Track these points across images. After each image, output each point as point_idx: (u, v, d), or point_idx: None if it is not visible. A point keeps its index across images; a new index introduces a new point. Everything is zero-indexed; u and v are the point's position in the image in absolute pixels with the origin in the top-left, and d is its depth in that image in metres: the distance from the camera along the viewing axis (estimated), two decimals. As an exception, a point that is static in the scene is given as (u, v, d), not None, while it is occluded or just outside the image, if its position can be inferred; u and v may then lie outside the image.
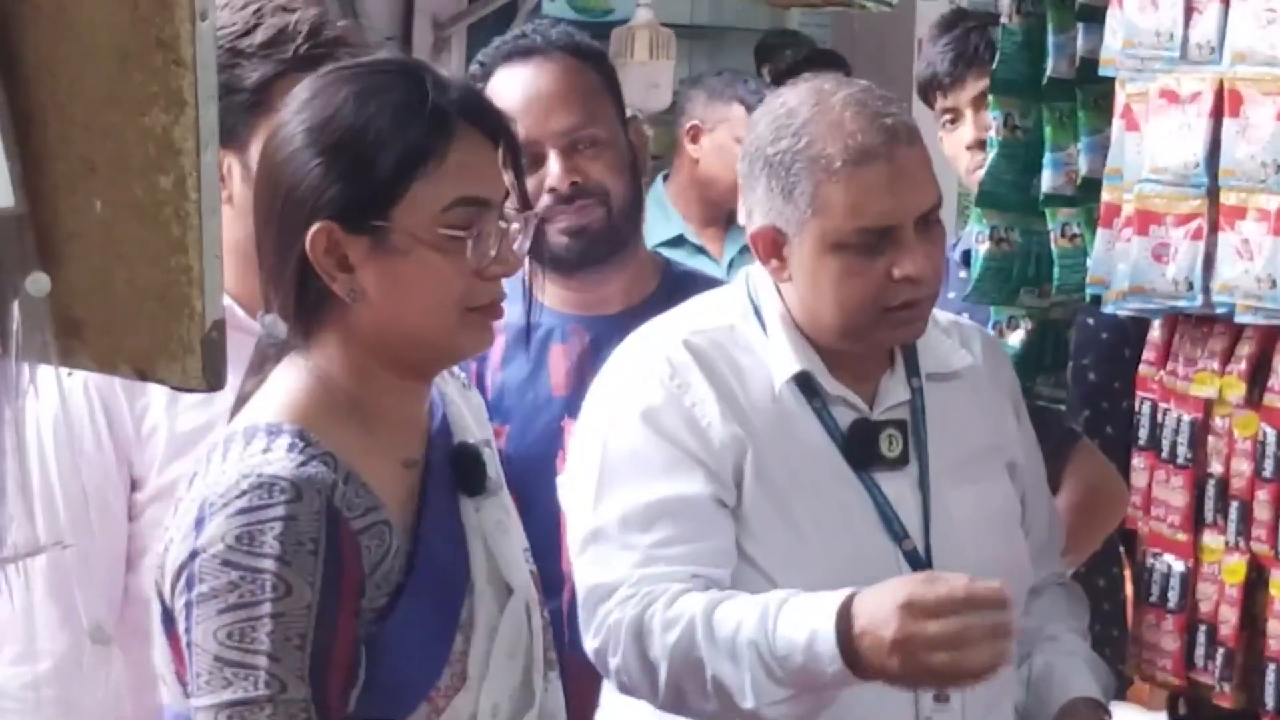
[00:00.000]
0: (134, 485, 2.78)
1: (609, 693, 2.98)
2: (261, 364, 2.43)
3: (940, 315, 3.10)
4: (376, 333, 2.37)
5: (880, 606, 2.60)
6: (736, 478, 2.85)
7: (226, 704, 2.22)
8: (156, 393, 2.74)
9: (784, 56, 7.09)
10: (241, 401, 2.41)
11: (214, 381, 1.64)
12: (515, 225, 2.43)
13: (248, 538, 2.23)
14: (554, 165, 3.25)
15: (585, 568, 2.86)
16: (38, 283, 1.65)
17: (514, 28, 6.33)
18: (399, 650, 2.34)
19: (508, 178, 2.47)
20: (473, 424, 2.58)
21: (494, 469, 2.56)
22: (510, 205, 2.46)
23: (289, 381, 2.39)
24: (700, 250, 5.59)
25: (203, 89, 1.61)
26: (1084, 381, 3.89)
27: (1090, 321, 3.80)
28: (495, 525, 2.50)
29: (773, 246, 2.89)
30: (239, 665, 2.22)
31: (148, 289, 1.66)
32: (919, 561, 2.87)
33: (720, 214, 5.75)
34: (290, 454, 2.28)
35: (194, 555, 2.25)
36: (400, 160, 2.34)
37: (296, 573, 2.24)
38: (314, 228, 2.33)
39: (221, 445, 2.34)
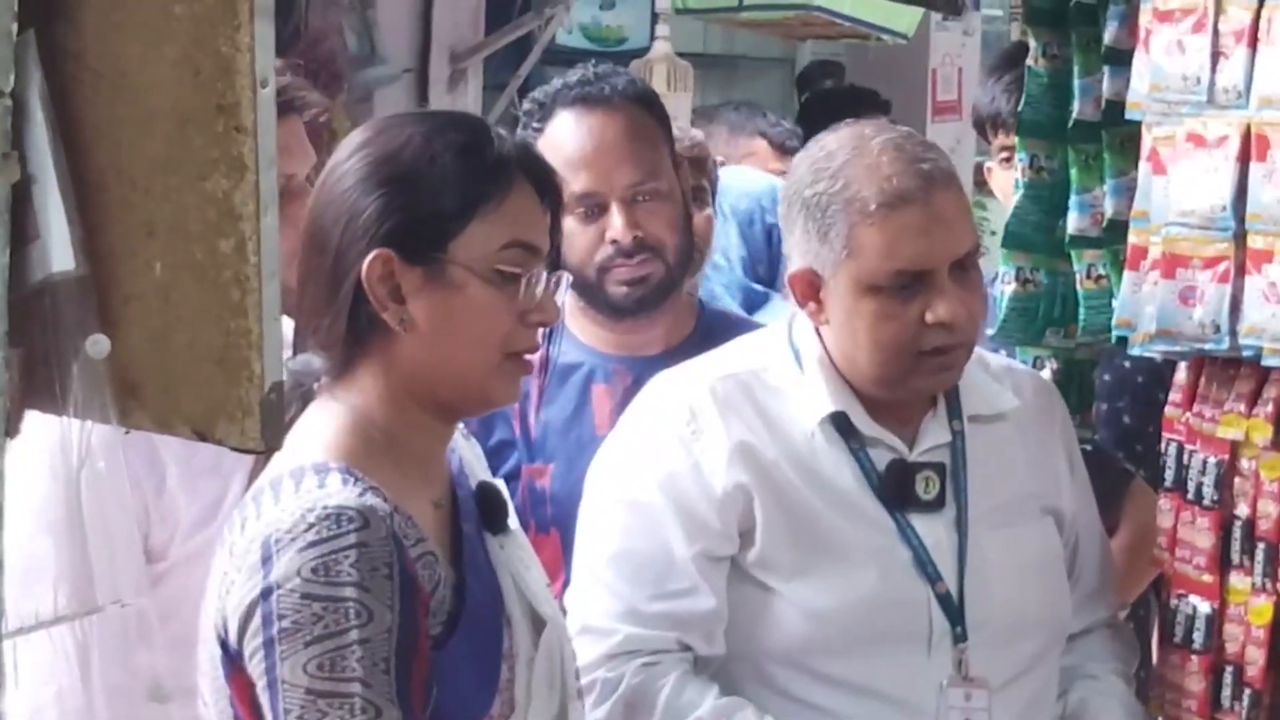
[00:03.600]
0: (150, 556, 2.79)
1: None
2: (287, 408, 2.45)
3: (992, 359, 3.14)
4: (418, 366, 2.42)
5: None
6: (743, 525, 2.89)
7: None
8: (170, 466, 2.76)
9: (823, 86, 7.10)
10: None
11: (272, 443, 1.66)
12: (554, 280, 2.48)
13: (323, 569, 2.26)
14: (617, 219, 3.32)
15: (574, 602, 2.92)
16: (97, 344, 1.66)
17: (529, 60, 6.42)
18: (456, 678, 2.38)
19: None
20: (480, 470, 2.64)
21: (512, 510, 2.61)
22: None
23: (325, 422, 2.42)
24: None
25: (263, 154, 1.63)
26: (1117, 424, 3.90)
27: (1125, 365, 3.81)
28: (519, 561, 2.56)
29: (810, 289, 2.92)
30: (333, 695, 2.25)
31: (207, 351, 1.68)
32: (951, 604, 2.89)
33: None
34: (346, 487, 2.32)
35: (268, 593, 2.27)
36: (464, 196, 2.40)
37: (376, 598, 2.27)
38: (372, 254, 2.37)
39: (269, 488, 2.36)
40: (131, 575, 2.64)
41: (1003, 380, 3.09)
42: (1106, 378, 3.89)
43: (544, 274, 2.45)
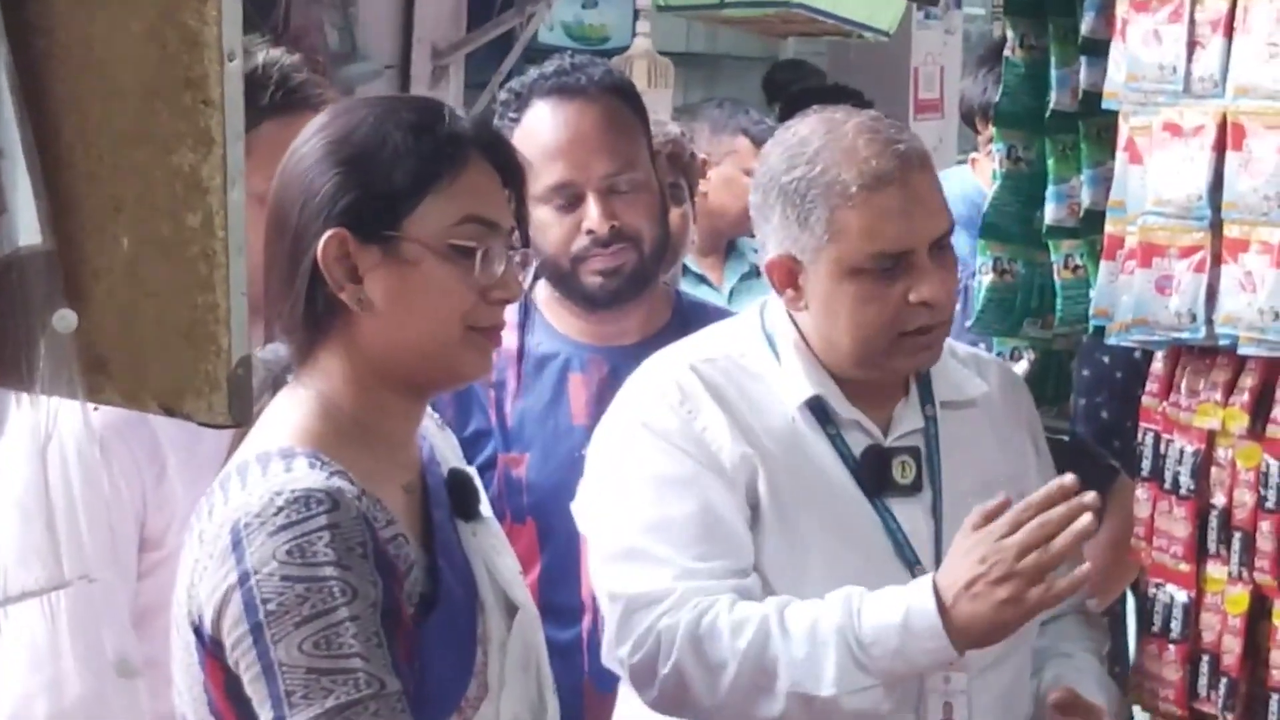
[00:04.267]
0: (146, 545, 2.78)
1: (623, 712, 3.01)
2: (262, 394, 2.45)
3: (959, 347, 3.15)
4: (380, 345, 2.41)
5: (954, 566, 2.72)
6: (751, 498, 2.90)
7: (333, 710, 2.25)
8: (170, 455, 2.76)
9: (792, 89, 7.11)
10: (241, 434, 2.43)
11: (240, 417, 1.65)
12: (518, 258, 2.47)
13: (298, 551, 2.26)
14: (593, 209, 3.31)
15: (618, 582, 2.88)
16: (64, 319, 1.66)
17: (511, 57, 6.42)
18: (433, 660, 2.39)
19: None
20: (453, 459, 2.64)
21: (484, 497, 2.61)
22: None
23: (292, 408, 2.42)
24: (702, 279, 5.62)
25: (230, 128, 1.63)
26: (1096, 419, 3.90)
27: (1104, 360, 3.81)
28: (490, 548, 2.56)
29: (788, 276, 2.92)
30: (336, 671, 2.25)
31: (174, 326, 1.67)
32: None
33: (720, 243, 5.78)
34: (313, 471, 2.32)
35: (245, 579, 2.27)
36: (416, 173, 2.40)
37: (356, 576, 2.27)
38: (327, 234, 2.38)
39: (235, 474, 2.36)
40: (101, 551, 2.64)
41: (970, 368, 3.11)
42: (1085, 373, 3.89)
43: (506, 251, 2.45)
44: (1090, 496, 2.71)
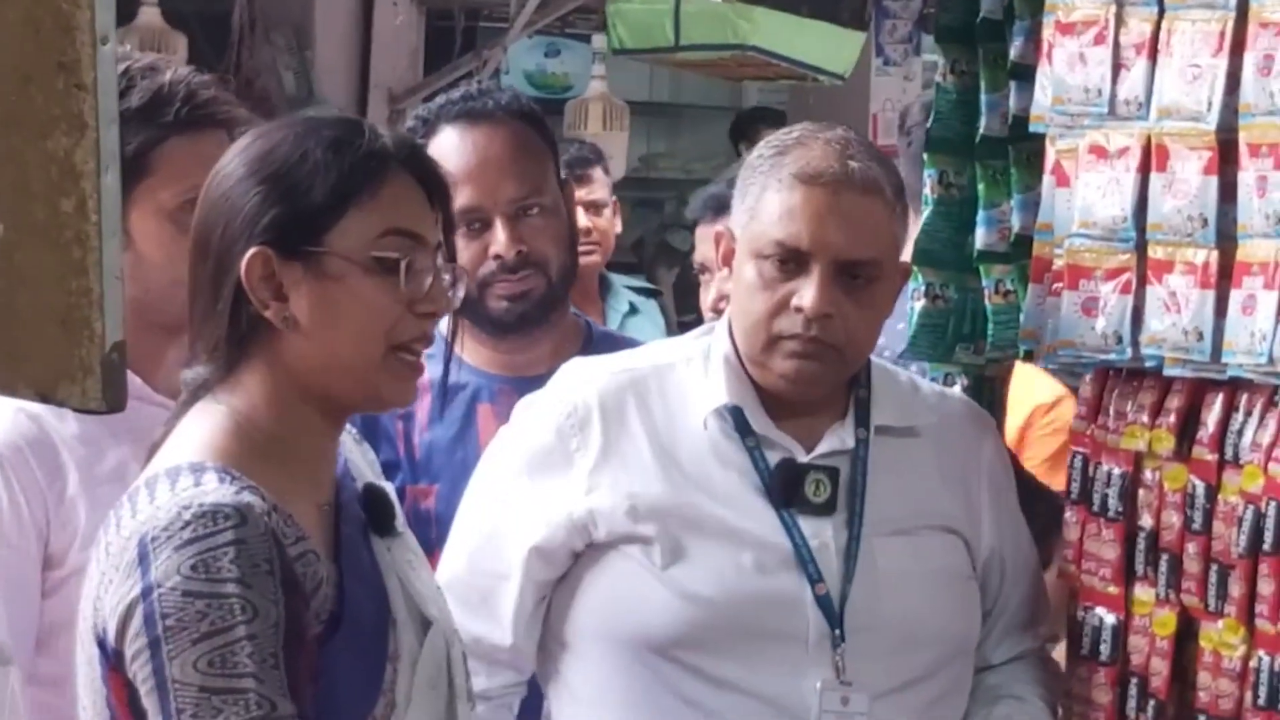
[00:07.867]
0: (49, 563, 2.76)
1: None
2: (181, 413, 2.45)
3: (925, 385, 3.16)
4: (303, 363, 2.41)
5: None
6: (610, 517, 2.90)
7: None
8: (72, 473, 2.74)
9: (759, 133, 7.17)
10: (155, 448, 2.42)
11: (114, 403, 1.65)
12: (446, 274, 2.47)
13: (203, 566, 2.25)
14: (501, 234, 3.30)
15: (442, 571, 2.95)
16: (-59, 306, 1.65)
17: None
18: (338, 678, 2.38)
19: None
20: (369, 474, 2.63)
21: (399, 512, 2.60)
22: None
23: (205, 424, 2.41)
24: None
25: (103, 112, 1.63)
26: None
27: None
28: (406, 563, 2.55)
29: (727, 251, 2.98)
30: (227, 691, 2.24)
31: (49, 311, 1.67)
32: (830, 606, 2.88)
33: (592, 281, 5.81)
34: (222, 485, 2.31)
35: (147, 593, 2.26)
36: (336, 187, 2.40)
37: (259, 594, 2.26)
38: (250, 253, 2.37)
39: (144, 487, 2.35)
40: None
41: (931, 403, 3.09)
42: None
43: (433, 265, 2.45)
44: None
